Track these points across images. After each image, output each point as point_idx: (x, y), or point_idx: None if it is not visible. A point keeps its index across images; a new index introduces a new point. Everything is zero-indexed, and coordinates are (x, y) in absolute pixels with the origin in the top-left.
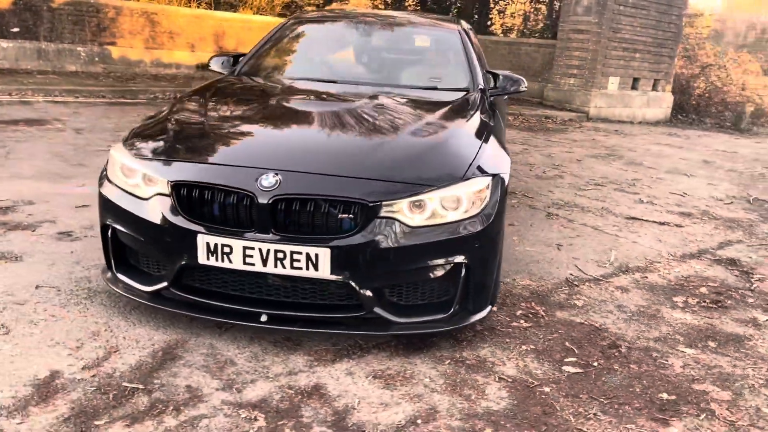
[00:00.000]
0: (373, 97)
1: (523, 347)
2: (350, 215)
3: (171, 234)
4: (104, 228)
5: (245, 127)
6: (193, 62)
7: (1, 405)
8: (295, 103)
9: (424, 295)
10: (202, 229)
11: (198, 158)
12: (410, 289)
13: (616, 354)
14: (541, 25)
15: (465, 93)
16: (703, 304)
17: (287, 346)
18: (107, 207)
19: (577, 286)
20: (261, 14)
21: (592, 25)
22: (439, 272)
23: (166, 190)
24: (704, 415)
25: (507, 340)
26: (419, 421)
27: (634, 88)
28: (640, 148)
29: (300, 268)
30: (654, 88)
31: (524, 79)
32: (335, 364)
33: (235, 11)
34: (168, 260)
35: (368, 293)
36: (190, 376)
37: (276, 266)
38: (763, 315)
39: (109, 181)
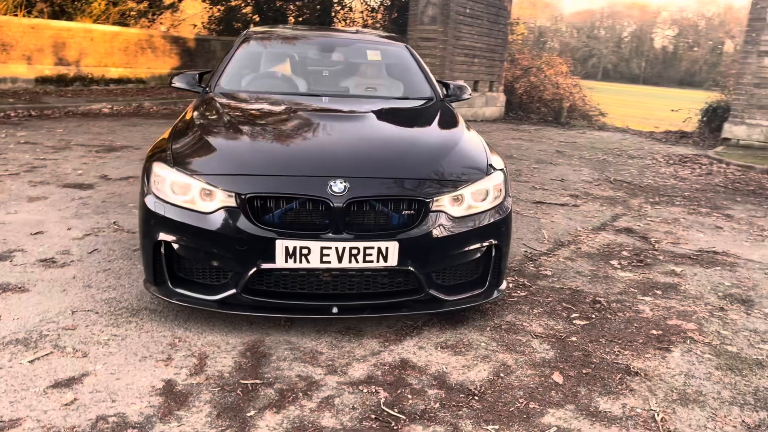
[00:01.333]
0: (379, 110)
1: (534, 311)
2: (411, 211)
3: (245, 242)
4: (157, 244)
5: (287, 141)
6: (32, 75)
7: (147, 414)
8: (315, 117)
9: (462, 275)
10: (277, 235)
11: (264, 171)
12: (452, 271)
13: (601, 307)
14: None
15: (432, 101)
16: (633, 264)
17: (352, 334)
18: (159, 224)
19: (536, 260)
20: (99, 23)
21: (439, 34)
22: (476, 254)
23: (234, 202)
24: (687, 341)
25: (518, 306)
26: (502, 375)
27: (475, 90)
28: (502, 143)
29: (371, 261)
30: (490, 89)
31: (468, 86)
32: (403, 342)
33: (70, 20)
34: (239, 267)
35: (424, 277)
36: (292, 368)
37: (350, 261)
38: (677, 267)
39: (159, 198)
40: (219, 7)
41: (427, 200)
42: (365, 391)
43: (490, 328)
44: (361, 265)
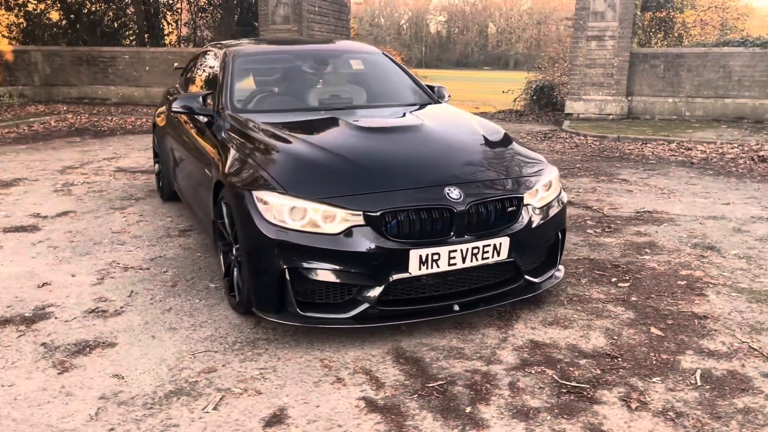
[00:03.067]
0: (420, 118)
1: (582, 281)
2: (513, 207)
3: (380, 256)
4: (283, 272)
5: (376, 157)
6: None
7: (384, 430)
8: (375, 133)
9: (539, 259)
10: (410, 245)
11: (382, 188)
12: (537, 257)
13: (625, 270)
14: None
15: (437, 104)
16: (605, 230)
17: (468, 328)
18: (284, 251)
19: None
20: None
21: (294, 33)
22: (552, 239)
23: (361, 220)
24: (709, 285)
25: (568, 280)
26: (615, 337)
27: None
28: None
29: (488, 258)
30: None
31: (446, 87)
32: (515, 327)
33: None
34: (372, 281)
35: (523, 266)
36: (453, 365)
37: (471, 260)
38: (638, 228)
39: (278, 226)
40: (13, 13)
41: (522, 196)
42: (533, 372)
43: (567, 302)
44: (480, 262)
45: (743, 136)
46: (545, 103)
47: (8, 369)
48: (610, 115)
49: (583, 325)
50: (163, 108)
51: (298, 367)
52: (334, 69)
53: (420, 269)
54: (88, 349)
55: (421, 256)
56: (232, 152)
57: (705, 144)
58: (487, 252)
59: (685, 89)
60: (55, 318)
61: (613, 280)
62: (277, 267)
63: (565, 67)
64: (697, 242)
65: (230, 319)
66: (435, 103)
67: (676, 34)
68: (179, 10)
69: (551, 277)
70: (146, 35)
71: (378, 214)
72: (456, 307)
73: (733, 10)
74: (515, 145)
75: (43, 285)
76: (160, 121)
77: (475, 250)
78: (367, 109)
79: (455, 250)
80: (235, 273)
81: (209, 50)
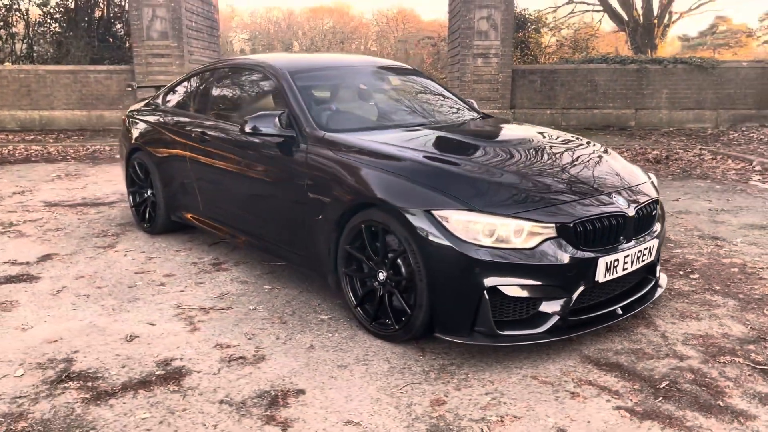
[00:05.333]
0: (528, 134)
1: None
2: (656, 210)
3: (574, 267)
4: (481, 291)
5: (530, 170)
6: None
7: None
8: (499, 145)
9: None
10: (598, 254)
11: (563, 199)
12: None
13: (684, 262)
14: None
15: (482, 116)
16: None
17: (619, 332)
18: (484, 270)
19: None
20: None
21: (173, 49)
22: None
23: (553, 233)
24: (758, 272)
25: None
26: (741, 325)
27: None
28: None
29: (645, 260)
30: None
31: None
32: (658, 324)
33: None
34: (564, 292)
35: (658, 266)
36: (651, 365)
37: (635, 264)
38: None
39: (474, 244)
40: None
41: (658, 198)
42: (725, 361)
43: (671, 297)
44: (639, 265)
45: (626, 141)
46: None
47: None
48: None
49: (708, 315)
50: (144, 127)
51: (520, 386)
52: (389, 85)
53: (605, 276)
54: (279, 399)
55: (607, 264)
56: (367, 172)
57: None
58: (645, 255)
59: (560, 101)
60: (196, 372)
61: (685, 273)
62: (474, 286)
63: (445, 82)
64: (704, 234)
65: (390, 349)
66: (480, 115)
67: (532, 54)
68: (9, 24)
69: (660, 275)
70: None
71: (570, 224)
72: (619, 311)
73: (582, 31)
74: (611, 151)
75: (131, 338)
76: (151, 145)
77: (639, 254)
78: (459, 125)
79: (628, 255)
80: (393, 299)
81: (227, 65)
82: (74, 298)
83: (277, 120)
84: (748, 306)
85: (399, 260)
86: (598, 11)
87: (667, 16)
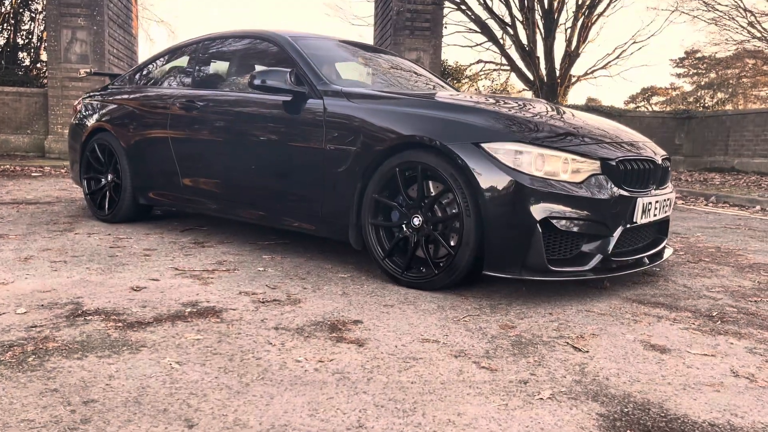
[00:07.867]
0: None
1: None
2: (669, 165)
3: (618, 204)
4: (534, 224)
5: (564, 119)
6: None
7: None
8: (509, 99)
9: None
10: (636, 194)
11: (604, 141)
12: None
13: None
14: None
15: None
16: None
17: (642, 282)
18: (539, 201)
19: None
20: None
21: None
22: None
23: (598, 169)
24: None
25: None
26: (753, 281)
27: None
28: None
29: (667, 211)
30: None
31: None
32: (677, 278)
33: None
34: (607, 231)
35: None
36: (701, 303)
37: (661, 212)
38: None
39: (529, 174)
40: None
41: (669, 156)
42: (756, 300)
43: (680, 263)
44: (663, 215)
45: None
46: None
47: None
48: None
49: (714, 275)
50: (110, 107)
51: (581, 316)
52: (380, 62)
53: (642, 219)
54: (339, 326)
55: (644, 204)
56: (404, 113)
57: None
58: (667, 205)
59: None
60: (232, 309)
61: (704, 261)
62: (527, 217)
63: None
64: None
65: (429, 295)
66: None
67: None
68: None
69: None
70: None
71: (614, 162)
72: (646, 261)
73: (499, 84)
74: None
75: (138, 289)
76: (118, 123)
77: (664, 203)
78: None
79: (657, 201)
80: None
81: (217, 36)
82: (49, 263)
83: (288, 76)
84: (743, 271)
85: (437, 203)
86: (506, 70)
87: (566, 79)
